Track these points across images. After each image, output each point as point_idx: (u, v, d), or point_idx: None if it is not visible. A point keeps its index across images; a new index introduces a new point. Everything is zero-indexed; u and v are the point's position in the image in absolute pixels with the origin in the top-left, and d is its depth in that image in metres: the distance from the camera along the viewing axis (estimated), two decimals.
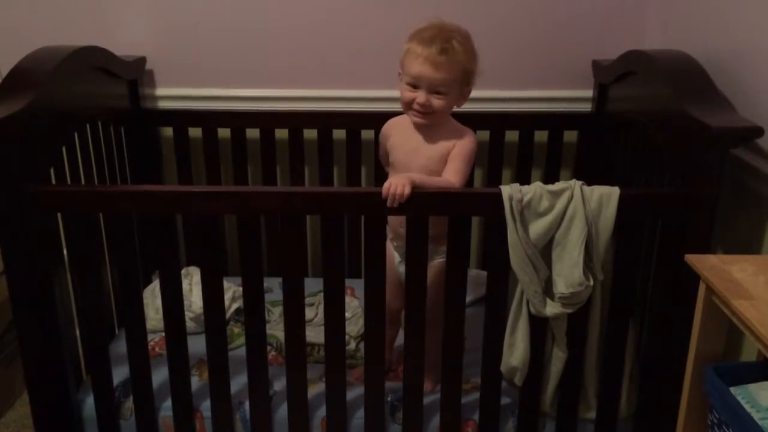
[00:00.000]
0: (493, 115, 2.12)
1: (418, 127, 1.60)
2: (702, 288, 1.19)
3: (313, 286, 1.97)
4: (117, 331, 1.92)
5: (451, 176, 1.53)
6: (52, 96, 1.56)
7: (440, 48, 1.47)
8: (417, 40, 1.51)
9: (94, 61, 1.81)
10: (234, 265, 2.20)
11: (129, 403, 1.66)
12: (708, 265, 1.18)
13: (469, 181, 2.14)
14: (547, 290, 1.47)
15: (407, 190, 1.40)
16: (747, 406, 1.07)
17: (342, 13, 2.10)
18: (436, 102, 1.53)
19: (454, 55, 1.48)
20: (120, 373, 1.67)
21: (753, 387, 1.12)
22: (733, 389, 1.11)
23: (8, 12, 2.10)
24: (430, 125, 1.58)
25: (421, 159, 1.58)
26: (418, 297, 1.52)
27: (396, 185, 1.40)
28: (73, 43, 1.70)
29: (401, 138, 1.64)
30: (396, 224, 1.60)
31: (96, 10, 2.10)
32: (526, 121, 2.12)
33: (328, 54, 2.14)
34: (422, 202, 1.44)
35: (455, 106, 1.59)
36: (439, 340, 1.57)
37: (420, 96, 1.52)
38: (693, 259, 1.20)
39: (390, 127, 1.70)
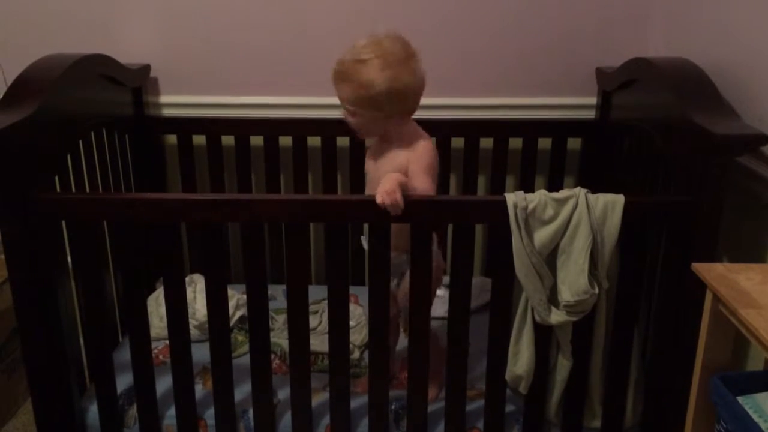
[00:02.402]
0: (498, 122, 2.12)
1: (376, 146, 1.61)
2: (709, 297, 1.18)
3: (317, 293, 1.97)
4: (121, 339, 1.92)
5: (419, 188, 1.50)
6: (57, 104, 1.56)
7: (336, 72, 1.52)
8: None
9: (98, 69, 1.82)
10: (238, 273, 2.20)
11: (133, 411, 1.66)
12: (715, 273, 1.18)
13: (473, 188, 2.16)
14: (552, 298, 1.46)
15: (399, 197, 1.37)
16: (755, 416, 1.07)
17: (345, 21, 2.10)
18: (351, 119, 1.54)
19: (343, 80, 1.51)
20: (124, 381, 1.66)
21: (760, 396, 1.11)
22: (740, 399, 1.10)
23: (13, 20, 2.11)
24: (384, 142, 1.58)
25: (381, 172, 1.53)
26: (422, 304, 1.51)
27: (387, 193, 1.37)
28: (78, 51, 1.71)
29: (368, 159, 1.66)
30: None
31: (100, 18, 2.11)
32: (530, 129, 2.13)
33: (332, 61, 2.13)
34: (426, 211, 1.44)
35: (396, 123, 1.54)
36: (440, 345, 1.57)
37: (343, 111, 1.56)
38: (700, 268, 1.20)
39: (367, 149, 1.71)
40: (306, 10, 2.10)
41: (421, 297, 1.50)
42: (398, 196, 1.38)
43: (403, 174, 1.50)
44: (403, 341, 1.84)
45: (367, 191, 1.66)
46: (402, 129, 1.57)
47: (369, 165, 1.65)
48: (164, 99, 2.18)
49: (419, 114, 1.63)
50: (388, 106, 1.50)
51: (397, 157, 1.55)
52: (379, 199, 1.38)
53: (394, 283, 1.65)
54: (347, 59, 1.51)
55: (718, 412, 1.16)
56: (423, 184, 1.49)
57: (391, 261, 1.50)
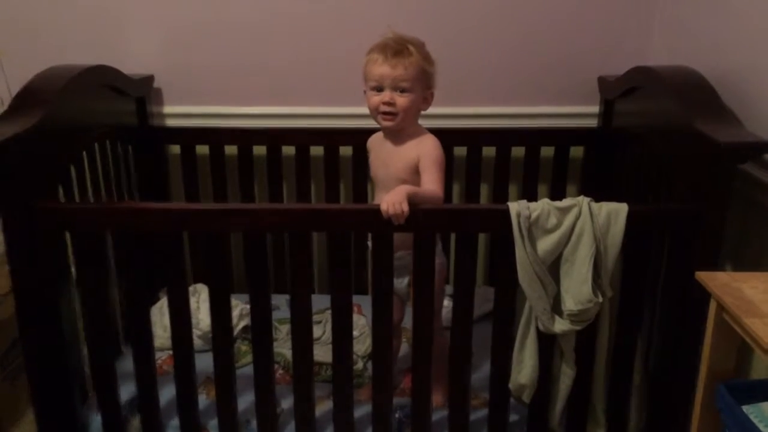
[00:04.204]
0: (500, 131, 2.13)
1: (388, 137, 1.64)
2: (713, 305, 1.18)
3: (320, 302, 1.96)
4: (123, 349, 1.92)
5: (431, 186, 1.53)
6: (62, 114, 1.57)
7: (395, 50, 1.56)
8: (373, 49, 1.59)
9: (102, 80, 1.83)
10: (241, 282, 2.20)
11: (136, 422, 1.66)
12: (719, 282, 1.17)
13: (476, 197, 2.17)
14: (556, 307, 1.46)
15: (405, 208, 1.39)
16: (760, 425, 1.06)
17: (348, 31, 2.11)
18: (401, 100, 1.56)
19: (409, 54, 1.56)
20: (126, 391, 1.66)
21: (765, 405, 1.11)
22: (745, 407, 1.10)
23: (18, 31, 2.12)
24: (398, 132, 1.61)
25: (392, 170, 1.61)
26: (425, 313, 1.51)
27: (393, 204, 1.39)
28: (83, 62, 1.72)
29: (376, 152, 1.69)
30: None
31: (104, 29, 2.12)
32: (533, 137, 2.13)
33: (334, 71, 2.15)
34: (429, 220, 1.44)
35: (421, 110, 1.62)
36: (444, 349, 1.57)
37: (385, 95, 1.56)
38: (704, 277, 1.19)
39: (370, 142, 1.74)
40: (309, 21, 2.11)
41: (425, 304, 1.50)
42: (404, 207, 1.38)
43: (413, 169, 1.56)
44: (405, 349, 1.84)
45: (378, 196, 1.67)
46: (417, 125, 1.64)
47: (378, 169, 1.66)
48: (168, 109, 2.19)
49: (422, 122, 1.64)
50: (433, 84, 1.61)
51: (409, 152, 1.59)
52: (383, 207, 1.39)
53: (404, 282, 1.65)
54: (404, 39, 1.57)
55: (723, 421, 1.15)
56: (434, 183, 1.52)
57: (399, 260, 1.50)
